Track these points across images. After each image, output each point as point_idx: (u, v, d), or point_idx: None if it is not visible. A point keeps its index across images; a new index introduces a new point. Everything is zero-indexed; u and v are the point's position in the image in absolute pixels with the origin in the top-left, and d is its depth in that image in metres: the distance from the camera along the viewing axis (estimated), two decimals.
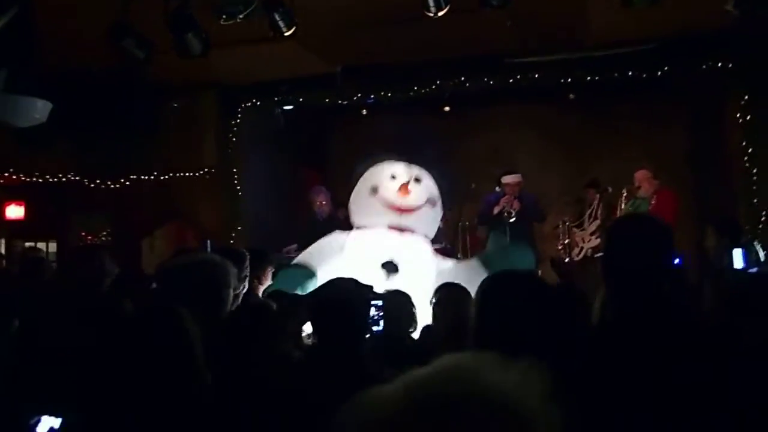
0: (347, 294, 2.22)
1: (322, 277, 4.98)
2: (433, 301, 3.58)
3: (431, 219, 4.98)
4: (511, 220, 6.77)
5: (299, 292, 4.74)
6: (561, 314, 1.97)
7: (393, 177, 4.94)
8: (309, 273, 4.92)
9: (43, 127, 6.77)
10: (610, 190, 6.96)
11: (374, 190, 4.90)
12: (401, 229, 4.84)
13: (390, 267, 4.67)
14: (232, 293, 2.25)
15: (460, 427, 0.63)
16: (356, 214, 5.15)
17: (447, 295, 3.72)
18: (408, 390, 0.67)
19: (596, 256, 6.55)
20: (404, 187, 4.71)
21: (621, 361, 1.72)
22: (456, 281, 4.88)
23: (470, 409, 0.63)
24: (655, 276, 1.88)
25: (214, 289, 2.12)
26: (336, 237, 5.24)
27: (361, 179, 5.21)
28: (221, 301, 2.15)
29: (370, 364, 2.16)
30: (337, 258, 4.94)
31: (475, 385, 0.66)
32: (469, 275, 5.05)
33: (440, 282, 4.81)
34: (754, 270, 4.55)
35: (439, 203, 5.12)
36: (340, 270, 4.84)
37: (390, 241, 4.82)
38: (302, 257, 5.19)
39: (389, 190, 4.78)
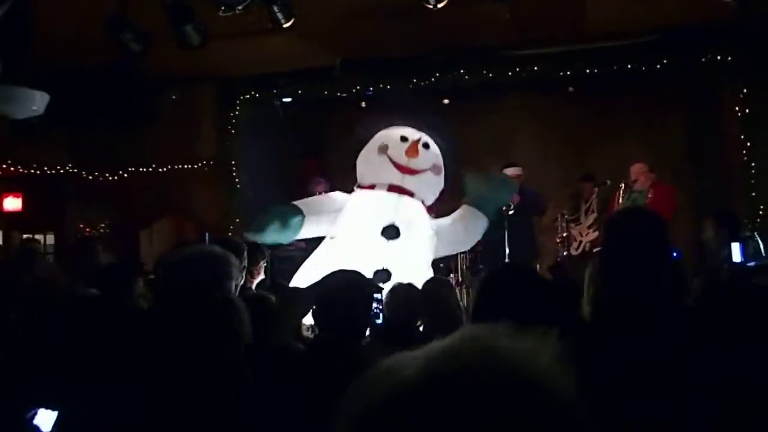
0: (350, 287, 2.21)
1: (310, 229, 4.99)
2: (420, 294, 3.59)
3: (433, 185, 5.06)
4: (510, 213, 6.76)
5: (281, 228, 4.74)
6: (559, 307, 1.98)
7: (403, 139, 5.06)
8: (296, 212, 4.93)
9: (41, 119, 6.76)
10: (608, 183, 6.94)
11: (383, 149, 5.05)
12: (401, 191, 4.91)
13: (390, 232, 4.73)
14: (234, 285, 2.25)
15: (477, 395, 0.65)
16: (362, 172, 5.26)
17: (432, 286, 3.74)
18: (428, 360, 0.69)
19: (595, 250, 6.54)
20: (414, 148, 4.85)
21: (620, 350, 1.72)
22: (455, 233, 4.89)
23: (486, 376, 0.66)
24: (652, 268, 1.88)
25: (217, 282, 2.12)
26: (335, 196, 5.30)
27: (373, 139, 5.30)
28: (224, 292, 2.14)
29: (372, 356, 2.16)
30: (331, 217, 4.99)
31: (489, 351, 0.68)
32: (466, 223, 5.07)
33: (441, 238, 4.84)
34: (753, 263, 4.56)
35: (443, 174, 5.15)
36: (340, 233, 4.90)
37: (389, 203, 4.89)
38: (297, 202, 5.21)
39: (398, 149, 4.91)
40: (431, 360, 0.69)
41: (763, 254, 4.93)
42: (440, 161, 5.13)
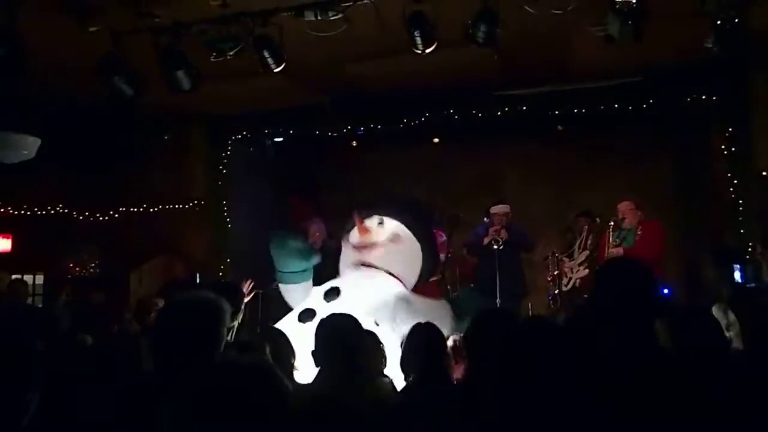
0: (349, 329, 2.25)
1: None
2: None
3: (393, 253, 5.29)
4: (500, 248, 6.78)
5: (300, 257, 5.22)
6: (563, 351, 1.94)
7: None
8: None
9: (31, 159, 6.76)
10: (598, 221, 6.98)
11: (346, 239, 5.44)
12: (362, 264, 5.26)
13: (331, 293, 4.97)
14: (226, 330, 2.24)
15: None
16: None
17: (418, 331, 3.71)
18: None
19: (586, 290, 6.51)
20: (361, 228, 5.26)
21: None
22: (418, 314, 4.89)
23: None
24: (646, 316, 1.90)
25: (209, 330, 2.11)
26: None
27: None
28: (216, 341, 2.13)
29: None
30: None
31: None
32: (433, 313, 5.10)
33: (405, 309, 4.87)
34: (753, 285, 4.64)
35: (409, 240, 5.33)
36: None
37: (348, 275, 5.26)
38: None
39: (354, 234, 5.32)
40: None
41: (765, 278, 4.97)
42: (401, 232, 5.33)
